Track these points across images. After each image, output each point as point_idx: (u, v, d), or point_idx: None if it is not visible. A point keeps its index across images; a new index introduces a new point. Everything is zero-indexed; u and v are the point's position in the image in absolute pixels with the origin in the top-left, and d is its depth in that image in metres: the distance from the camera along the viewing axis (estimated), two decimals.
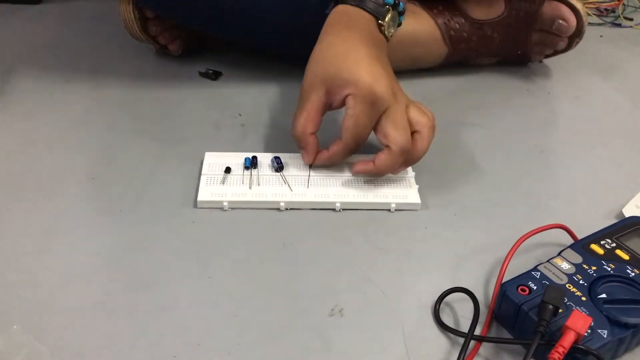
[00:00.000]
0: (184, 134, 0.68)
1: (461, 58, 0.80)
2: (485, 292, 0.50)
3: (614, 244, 0.49)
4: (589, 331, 0.42)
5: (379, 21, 0.60)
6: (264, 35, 0.73)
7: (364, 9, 0.59)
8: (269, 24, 0.71)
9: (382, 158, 0.56)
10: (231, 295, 0.49)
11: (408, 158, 0.57)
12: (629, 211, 0.57)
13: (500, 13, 0.77)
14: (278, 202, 0.57)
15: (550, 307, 0.42)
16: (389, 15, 0.60)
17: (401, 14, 0.62)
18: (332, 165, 0.60)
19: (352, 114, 0.55)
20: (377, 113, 0.55)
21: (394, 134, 0.55)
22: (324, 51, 0.58)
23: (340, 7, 0.60)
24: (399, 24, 0.63)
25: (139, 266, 0.51)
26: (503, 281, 0.47)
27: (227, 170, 0.60)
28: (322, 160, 0.59)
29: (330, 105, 0.58)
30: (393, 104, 0.55)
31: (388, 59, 0.60)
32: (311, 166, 0.60)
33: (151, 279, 0.50)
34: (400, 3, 0.61)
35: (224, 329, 0.46)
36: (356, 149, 0.58)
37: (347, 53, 0.56)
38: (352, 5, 0.60)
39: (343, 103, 0.56)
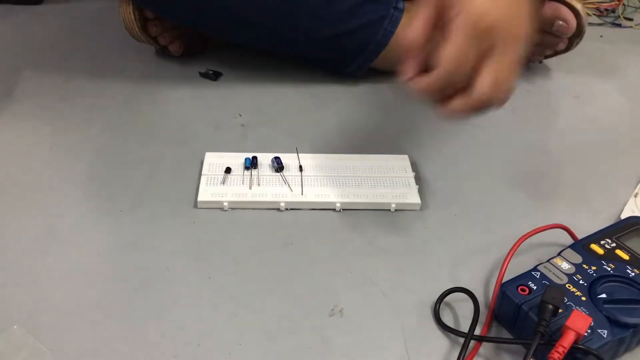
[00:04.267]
0: (184, 134, 0.68)
1: None
2: (485, 292, 0.50)
3: (614, 244, 0.49)
4: (589, 331, 0.42)
5: None
6: (264, 36, 0.73)
7: None
8: (268, 25, 0.71)
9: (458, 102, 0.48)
10: (231, 296, 0.49)
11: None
12: (627, 214, 0.57)
13: None
14: (278, 203, 0.57)
15: (550, 307, 0.42)
16: None
17: None
18: (425, 96, 0.49)
19: (452, 41, 0.46)
20: (482, 48, 0.46)
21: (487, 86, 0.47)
22: None
23: None
24: None
25: (139, 266, 0.51)
26: (503, 281, 0.47)
27: (228, 170, 0.60)
28: (419, 85, 0.49)
29: (443, 21, 0.48)
30: (501, 46, 0.46)
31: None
32: (302, 168, 0.60)
33: (151, 279, 0.50)
34: None
35: (224, 329, 0.46)
36: (452, 83, 0.47)
37: None
38: None
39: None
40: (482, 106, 0.48)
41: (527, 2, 0.49)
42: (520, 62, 0.47)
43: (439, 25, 0.48)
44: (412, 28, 0.49)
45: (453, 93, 0.48)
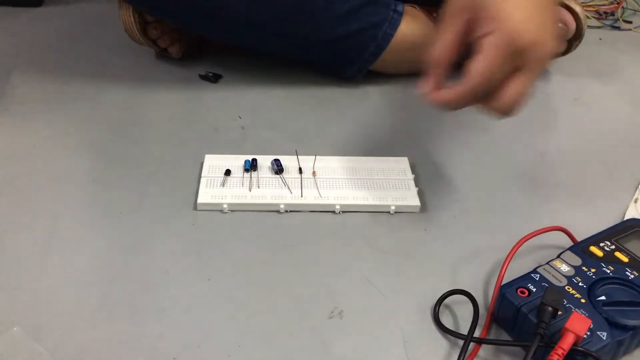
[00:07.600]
0: (184, 137, 0.68)
1: (461, 61, 0.80)
2: (484, 294, 0.50)
3: (613, 246, 0.49)
4: (588, 333, 0.42)
5: None
6: (263, 38, 0.73)
7: None
8: (268, 28, 0.71)
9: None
10: (231, 298, 0.49)
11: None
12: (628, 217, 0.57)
13: None
14: (278, 205, 0.57)
15: (550, 309, 0.42)
16: None
17: None
18: (449, 108, 0.50)
19: (484, 57, 0.46)
20: (513, 66, 0.46)
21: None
22: None
23: None
24: None
25: (139, 268, 0.51)
26: (502, 283, 0.47)
27: (227, 172, 0.60)
28: (440, 99, 0.50)
29: (468, 38, 0.49)
30: (531, 64, 0.46)
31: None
32: (301, 171, 0.60)
33: (151, 280, 0.50)
34: None
35: (224, 331, 0.46)
36: (480, 99, 0.49)
37: None
38: None
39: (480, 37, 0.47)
40: (497, 114, 0.49)
41: (553, 11, 0.49)
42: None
43: (465, 41, 0.49)
44: (437, 45, 0.49)
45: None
